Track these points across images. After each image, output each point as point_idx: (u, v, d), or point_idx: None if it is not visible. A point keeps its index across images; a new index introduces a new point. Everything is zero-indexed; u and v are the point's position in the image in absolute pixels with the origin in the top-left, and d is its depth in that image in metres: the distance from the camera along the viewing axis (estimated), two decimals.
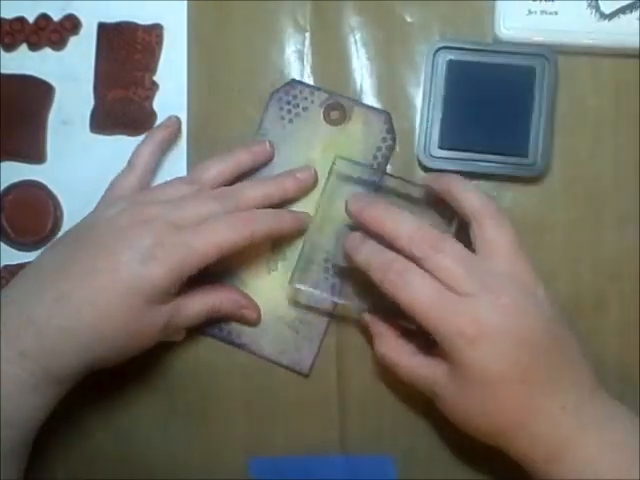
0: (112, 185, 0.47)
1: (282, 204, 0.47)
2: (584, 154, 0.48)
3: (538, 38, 0.47)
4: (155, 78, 0.50)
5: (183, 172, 0.49)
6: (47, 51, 0.50)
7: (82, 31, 0.51)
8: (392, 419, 0.47)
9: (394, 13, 0.49)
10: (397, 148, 0.49)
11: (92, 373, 0.42)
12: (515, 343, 0.38)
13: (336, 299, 0.46)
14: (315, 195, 0.47)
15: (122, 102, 0.50)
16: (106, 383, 0.46)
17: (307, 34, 0.50)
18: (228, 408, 0.48)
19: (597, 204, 0.48)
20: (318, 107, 0.48)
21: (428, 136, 0.47)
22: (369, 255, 0.42)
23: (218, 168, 0.46)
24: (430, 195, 0.46)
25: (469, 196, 0.42)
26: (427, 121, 0.47)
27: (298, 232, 0.47)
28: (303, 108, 0.48)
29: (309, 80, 0.49)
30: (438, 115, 0.47)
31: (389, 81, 0.49)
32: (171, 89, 0.50)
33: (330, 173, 0.46)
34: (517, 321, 0.39)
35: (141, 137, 0.49)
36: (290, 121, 0.48)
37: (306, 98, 0.48)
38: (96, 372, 0.43)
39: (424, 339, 0.42)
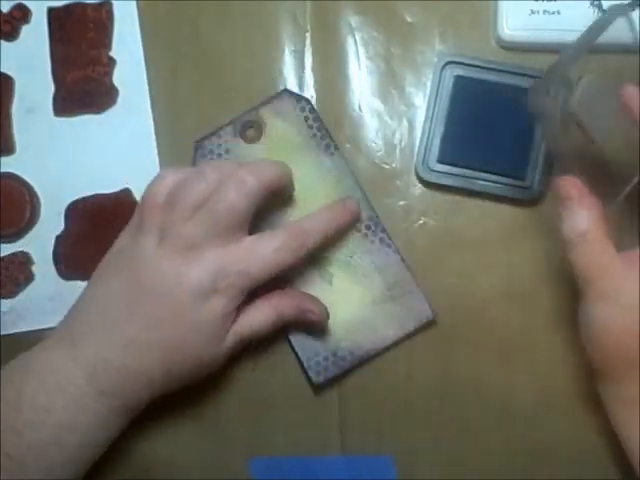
0: (147, 197, 0.44)
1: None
2: None
3: (541, 38, 0.47)
4: (111, 53, 0.50)
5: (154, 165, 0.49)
6: (1, 43, 0.51)
7: (32, 19, 0.51)
8: (392, 419, 0.48)
9: (394, 13, 0.49)
10: (398, 147, 0.49)
11: None
12: None
13: None
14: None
15: (82, 82, 0.50)
16: None
17: (307, 34, 0.50)
18: (228, 408, 0.48)
19: None
20: (234, 138, 0.48)
21: (428, 149, 0.47)
22: None
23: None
24: None
25: None
26: (429, 134, 0.47)
27: (353, 223, 0.47)
28: (226, 150, 0.48)
29: (309, 80, 0.49)
30: (440, 129, 0.47)
31: (389, 81, 0.49)
32: (128, 62, 0.50)
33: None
34: None
35: (106, 113, 0.50)
36: None
37: (220, 144, 0.48)
38: None
39: None
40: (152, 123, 0.50)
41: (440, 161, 0.47)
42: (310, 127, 0.48)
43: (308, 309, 0.45)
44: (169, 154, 0.50)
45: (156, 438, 0.48)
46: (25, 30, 0.51)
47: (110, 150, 0.50)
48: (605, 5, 0.47)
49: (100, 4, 0.51)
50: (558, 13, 0.47)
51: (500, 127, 0.47)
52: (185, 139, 0.49)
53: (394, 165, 0.49)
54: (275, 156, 0.47)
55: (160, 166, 0.49)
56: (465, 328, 0.47)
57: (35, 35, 0.51)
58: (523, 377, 0.47)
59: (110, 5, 0.51)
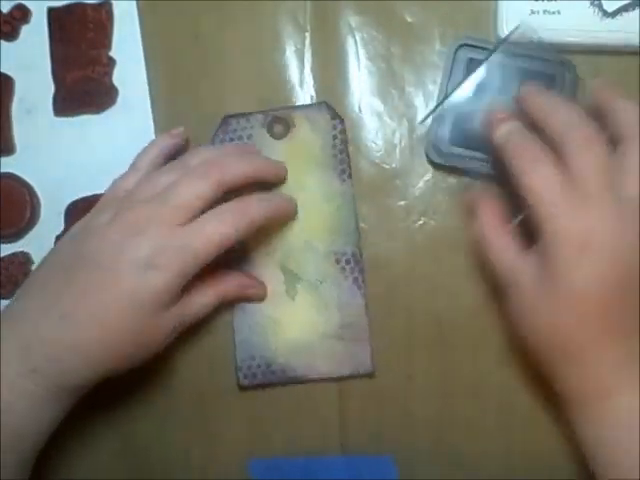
0: (111, 186, 0.47)
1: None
2: None
3: (540, 38, 0.47)
4: (111, 54, 0.50)
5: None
6: (1, 43, 0.51)
7: (32, 19, 0.51)
8: (392, 419, 0.48)
9: (394, 13, 0.49)
10: (398, 147, 0.48)
11: None
12: (617, 268, 0.38)
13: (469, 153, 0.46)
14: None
15: (82, 82, 0.50)
16: (105, 383, 0.46)
17: (307, 34, 0.49)
18: (228, 408, 0.48)
19: None
20: (260, 128, 0.48)
21: (439, 131, 0.47)
22: (511, 129, 0.42)
23: (210, 154, 0.45)
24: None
25: (629, 111, 0.41)
26: (440, 116, 0.47)
27: (291, 217, 0.47)
28: (247, 137, 0.48)
29: (309, 80, 0.49)
30: (452, 112, 0.47)
31: (389, 81, 0.49)
32: (128, 62, 0.50)
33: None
34: (627, 250, 0.38)
35: (106, 113, 0.50)
36: None
37: (245, 127, 0.48)
38: None
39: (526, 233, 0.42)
40: (152, 123, 0.50)
41: (451, 144, 0.47)
42: (334, 147, 0.48)
43: (248, 285, 0.47)
44: None
45: (156, 438, 0.48)
46: (25, 30, 0.51)
47: (110, 150, 0.50)
48: (605, 5, 0.47)
49: (100, 4, 0.51)
50: (558, 13, 0.47)
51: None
52: (185, 138, 0.49)
53: (394, 165, 0.49)
54: (291, 159, 0.48)
55: None
56: (465, 328, 0.47)
57: (35, 35, 0.51)
58: (523, 377, 0.47)
59: (110, 5, 0.51)
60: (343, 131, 0.48)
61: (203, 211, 0.42)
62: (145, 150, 0.47)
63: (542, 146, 0.40)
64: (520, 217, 0.42)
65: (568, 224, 0.38)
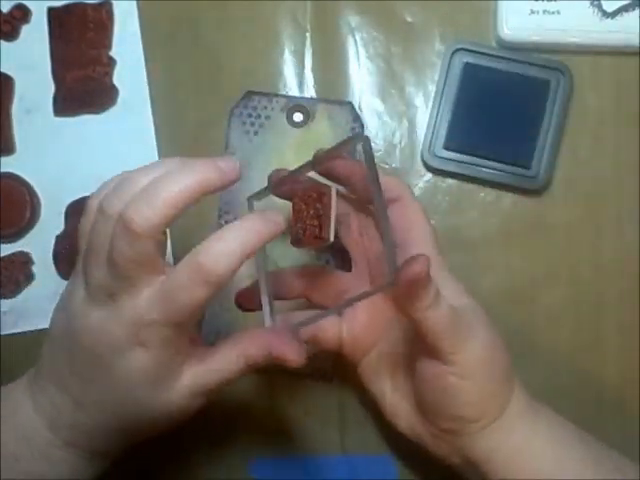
0: (78, 232, 0.39)
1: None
2: (584, 153, 0.48)
3: (540, 38, 0.47)
4: (111, 53, 0.50)
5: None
6: (1, 43, 0.51)
7: (32, 19, 0.51)
8: None
9: (394, 13, 0.49)
10: (398, 147, 0.49)
11: None
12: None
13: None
14: None
15: (82, 82, 0.50)
16: None
17: (307, 34, 0.49)
18: (228, 408, 0.48)
19: (597, 204, 0.48)
20: (280, 113, 0.48)
21: (435, 135, 0.47)
22: None
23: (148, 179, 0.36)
24: None
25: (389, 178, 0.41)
26: (436, 120, 0.47)
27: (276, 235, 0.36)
28: (265, 117, 0.48)
29: (309, 80, 0.49)
30: (447, 115, 0.47)
31: (389, 81, 0.49)
32: (128, 62, 0.50)
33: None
34: None
35: (106, 113, 0.50)
36: (255, 133, 0.48)
37: (266, 107, 0.48)
38: None
39: None
40: (152, 123, 0.50)
41: (446, 148, 0.47)
42: None
43: (280, 351, 0.37)
44: (169, 154, 0.49)
45: (155, 439, 0.48)
46: (25, 30, 0.51)
47: (110, 150, 0.50)
48: (605, 5, 0.47)
49: (100, 4, 0.51)
50: (558, 13, 0.47)
51: (507, 115, 0.47)
52: (185, 139, 0.49)
53: (394, 165, 0.49)
54: (301, 149, 0.48)
55: None
56: None
57: (35, 35, 0.51)
58: (523, 377, 0.47)
59: (110, 5, 0.51)
60: (360, 135, 0.48)
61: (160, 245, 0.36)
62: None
63: None
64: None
65: None
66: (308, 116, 0.48)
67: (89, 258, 0.36)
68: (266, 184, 0.41)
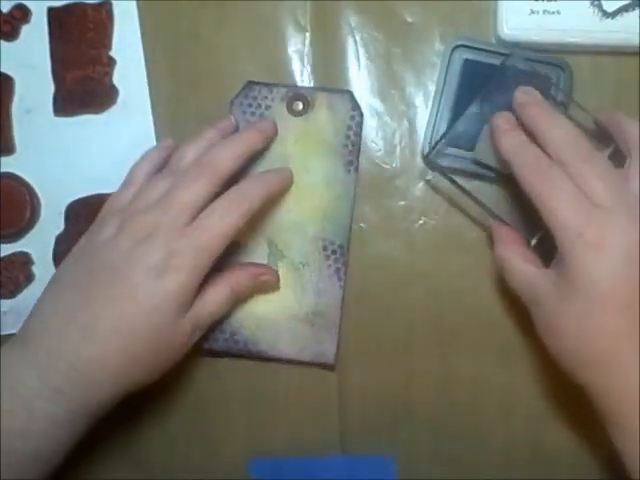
0: (109, 201, 0.46)
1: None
2: None
3: (540, 38, 0.47)
4: (111, 53, 0.50)
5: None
6: (1, 43, 0.51)
7: (32, 18, 0.51)
8: (392, 419, 0.48)
9: (394, 13, 0.49)
10: (398, 147, 0.49)
11: None
12: (633, 264, 0.38)
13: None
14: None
15: (82, 82, 0.50)
16: None
17: (307, 34, 0.49)
18: (228, 408, 0.48)
19: None
20: (280, 102, 0.48)
21: (435, 131, 0.47)
22: (516, 143, 0.41)
23: (194, 152, 0.45)
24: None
25: (633, 130, 0.41)
26: (436, 117, 0.47)
27: (287, 189, 0.47)
28: (266, 107, 0.48)
29: (309, 80, 0.49)
30: (448, 112, 0.47)
31: (389, 81, 0.49)
32: (128, 62, 0.50)
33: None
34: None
35: (106, 113, 0.50)
36: None
37: (266, 97, 0.48)
38: None
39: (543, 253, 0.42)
40: (152, 123, 0.50)
41: (447, 144, 0.47)
42: (347, 137, 0.48)
43: (260, 272, 0.46)
44: None
45: (156, 438, 0.48)
46: (25, 30, 0.51)
47: (110, 150, 0.50)
48: (605, 5, 0.47)
49: (100, 4, 0.51)
50: (558, 13, 0.47)
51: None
52: (185, 138, 0.49)
53: (394, 165, 0.49)
54: (302, 138, 0.48)
55: None
56: (465, 328, 0.47)
57: (35, 35, 0.51)
58: (523, 377, 0.47)
59: (110, 5, 0.51)
60: (359, 124, 0.48)
61: (203, 207, 0.42)
62: (138, 164, 0.47)
63: (550, 163, 0.40)
64: (538, 237, 0.43)
65: (582, 225, 0.38)
66: (308, 105, 0.48)
67: (133, 206, 0.43)
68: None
